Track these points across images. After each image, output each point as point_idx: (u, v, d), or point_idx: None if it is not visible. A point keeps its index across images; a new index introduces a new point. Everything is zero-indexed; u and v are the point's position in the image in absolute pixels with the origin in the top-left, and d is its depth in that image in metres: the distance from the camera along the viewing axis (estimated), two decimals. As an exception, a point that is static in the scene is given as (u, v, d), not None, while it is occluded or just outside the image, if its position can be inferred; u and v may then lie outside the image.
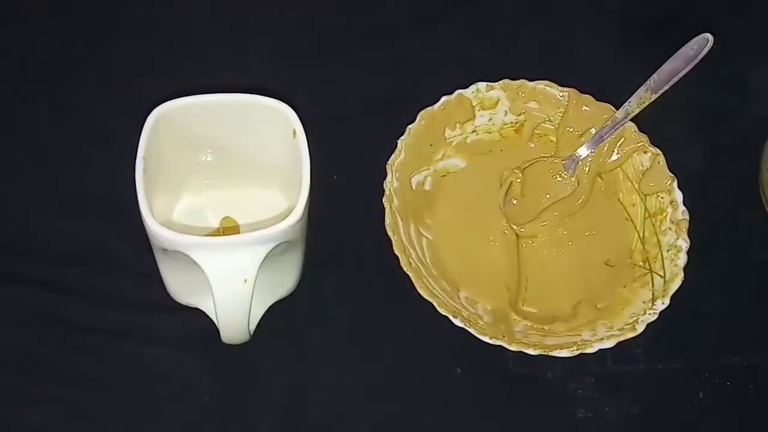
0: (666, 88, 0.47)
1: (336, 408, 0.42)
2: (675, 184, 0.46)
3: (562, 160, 0.49)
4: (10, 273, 0.44)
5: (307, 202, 0.37)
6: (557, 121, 0.49)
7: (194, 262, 0.36)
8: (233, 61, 0.51)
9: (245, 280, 0.36)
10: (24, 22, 0.54)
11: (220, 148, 0.43)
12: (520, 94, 0.49)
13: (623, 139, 0.48)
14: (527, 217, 0.48)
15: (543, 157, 0.49)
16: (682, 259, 0.44)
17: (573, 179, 0.49)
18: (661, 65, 0.47)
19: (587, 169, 0.49)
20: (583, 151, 0.48)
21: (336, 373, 0.43)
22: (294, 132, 0.39)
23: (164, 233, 0.35)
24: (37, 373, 0.42)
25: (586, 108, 0.49)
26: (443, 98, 0.48)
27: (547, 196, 0.49)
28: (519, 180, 0.48)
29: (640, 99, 0.47)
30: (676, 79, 0.46)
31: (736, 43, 0.54)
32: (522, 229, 0.47)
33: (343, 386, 0.43)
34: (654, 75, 0.47)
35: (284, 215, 0.37)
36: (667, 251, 0.45)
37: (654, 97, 0.47)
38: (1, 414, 0.41)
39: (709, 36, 0.46)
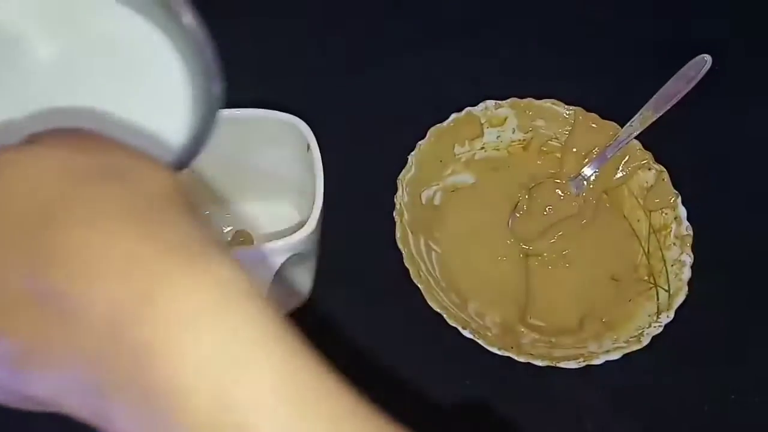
0: (668, 107, 0.48)
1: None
2: (679, 200, 0.47)
3: (568, 180, 0.50)
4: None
5: (320, 215, 0.38)
6: (563, 139, 0.50)
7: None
8: (249, 78, 0.52)
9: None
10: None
11: (234, 162, 0.44)
12: (527, 112, 0.50)
13: (628, 156, 0.49)
14: (534, 235, 0.48)
15: (549, 177, 0.50)
16: (686, 273, 0.44)
17: (579, 198, 0.50)
18: (664, 85, 0.48)
19: (592, 187, 0.50)
20: (588, 171, 0.50)
21: (344, 383, 0.44)
22: (308, 146, 0.40)
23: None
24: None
25: (593, 125, 0.50)
26: (453, 116, 0.49)
27: (554, 214, 0.49)
28: (525, 197, 0.49)
29: (643, 118, 0.48)
30: (677, 98, 0.48)
31: (738, 63, 0.55)
32: (529, 247, 0.48)
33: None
34: (656, 95, 0.48)
35: (296, 228, 0.38)
36: (672, 266, 0.45)
37: (656, 116, 0.48)
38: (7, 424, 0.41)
39: (707, 57, 0.47)
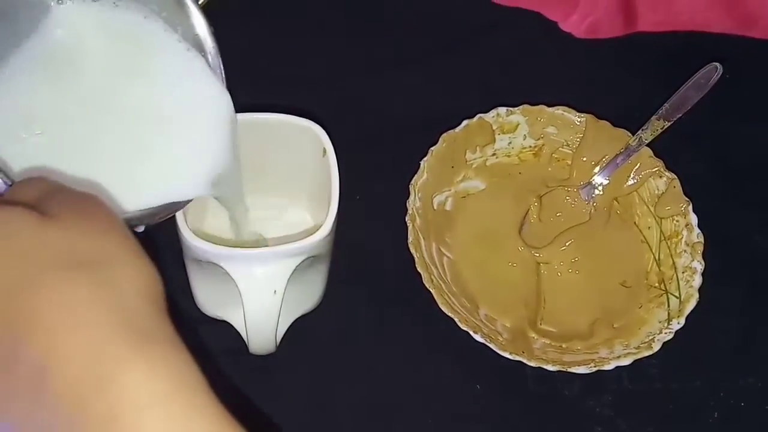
0: (678, 115, 0.48)
1: (356, 422, 0.43)
2: (690, 207, 0.47)
3: (579, 187, 0.50)
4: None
5: (335, 218, 0.38)
6: (575, 146, 0.51)
7: (225, 274, 0.38)
8: (264, 83, 0.53)
9: (275, 292, 0.38)
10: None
11: (250, 166, 0.44)
12: (539, 118, 0.51)
13: (639, 164, 0.49)
14: (545, 242, 0.48)
15: (560, 184, 0.50)
16: (697, 280, 0.45)
17: (590, 205, 0.50)
18: (675, 93, 0.48)
19: (603, 194, 0.50)
20: (598, 178, 0.50)
21: (357, 387, 0.44)
22: (324, 150, 0.40)
23: (200, 245, 0.37)
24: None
25: (604, 133, 0.50)
26: (465, 122, 0.49)
27: (564, 221, 0.50)
28: (536, 204, 0.49)
29: (654, 126, 0.48)
30: (687, 106, 0.48)
31: (749, 70, 0.55)
32: (540, 254, 0.48)
33: (364, 400, 0.44)
34: (666, 103, 0.48)
35: (310, 232, 0.38)
36: (683, 273, 0.46)
37: (667, 124, 0.48)
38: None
39: (718, 65, 0.47)
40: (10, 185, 0.28)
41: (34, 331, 0.23)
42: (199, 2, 0.34)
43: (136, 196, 0.32)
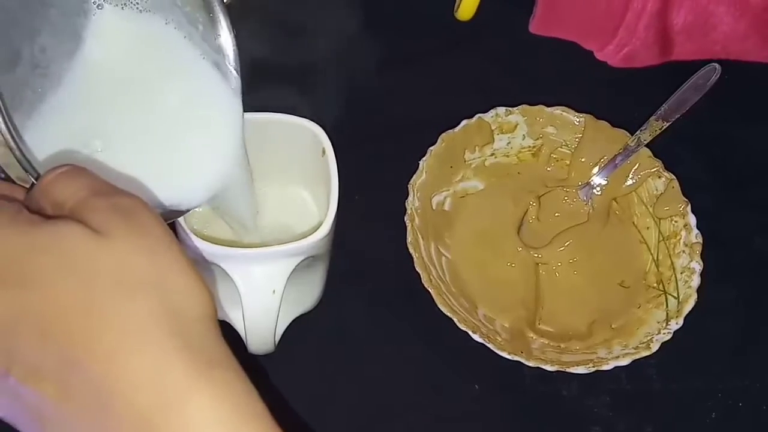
0: (677, 116, 0.48)
1: (355, 421, 0.43)
2: (689, 208, 0.47)
3: (578, 187, 0.50)
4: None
5: (334, 218, 0.38)
6: (573, 146, 0.51)
7: (224, 273, 0.38)
8: (262, 82, 0.53)
9: (273, 291, 0.38)
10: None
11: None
12: (538, 119, 0.51)
13: (638, 164, 0.49)
14: (543, 243, 0.49)
15: (559, 184, 0.51)
16: (696, 280, 0.45)
17: (588, 206, 0.50)
18: (674, 93, 0.49)
19: (602, 195, 0.50)
20: (597, 178, 0.50)
21: (356, 386, 0.44)
22: (323, 150, 0.40)
23: (199, 244, 0.37)
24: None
25: (603, 133, 0.50)
26: (464, 122, 0.49)
27: (563, 222, 0.49)
28: (534, 204, 0.49)
29: (653, 126, 0.48)
30: (686, 107, 0.48)
31: (747, 71, 0.55)
32: (538, 255, 0.48)
33: (363, 400, 0.44)
34: (665, 104, 0.49)
35: (309, 232, 0.38)
36: (681, 273, 0.46)
37: (665, 125, 0.48)
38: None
39: (717, 66, 0.47)
40: (36, 177, 0.27)
41: (93, 353, 0.23)
42: (225, 1, 0.35)
43: (150, 200, 0.32)
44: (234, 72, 0.35)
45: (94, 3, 0.31)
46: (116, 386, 0.23)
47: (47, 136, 0.29)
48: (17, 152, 0.26)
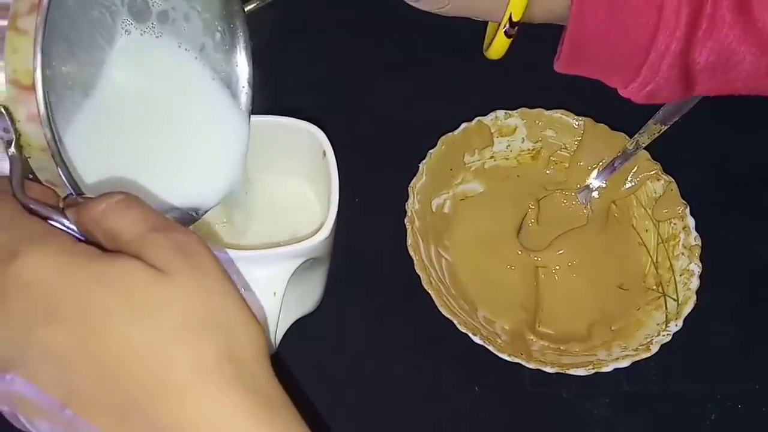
0: (675, 119, 0.48)
1: (355, 424, 0.43)
2: (687, 210, 0.47)
3: (577, 190, 0.50)
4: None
5: (335, 220, 0.39)
6: (573, 149, 0.51)
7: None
8: (262, 84, 0.53)
9: (274, 293, 0.38)
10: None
11: (249, 167, 0.44)
12: (537, 122, 0.51)
13: (636, 167, 0.49)
14: (542, 246, 0.49)
15: (558, 187, 0.51)
16: (695, 282, 0.45)
17: (587, 208, 0.50)
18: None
19: (601, 197, 0.50)
20: (596, 181, 0.50)
21: (356, 388, 0.44)
22: (324, 153, 0.40)
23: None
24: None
25: (602, 136, 0.50)
26: (463, 125, 0.50)
27: (562, 225, 0.50)
28: (534, 208, 0.49)
29: (651, 130, 0.48)
30: (684, 110, 0.48)
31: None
32: (538, 258, 0.48)
33: (363, 402, 0.44)
34: (664, 107, 0.49)
35: (310, 234, 0.38)
36: (680, 275, 0.46)
37: (664, 128, 0.48)
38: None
39: None
40: (80, 194, 0.27)
41: (156, 395, 0.23)
42: (246, 10, 0.36)
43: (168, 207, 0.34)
44: (245, 91, 0.37)
45: (123, 28, 0.32)
46: (179, 429, 0.23)
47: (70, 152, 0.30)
48: (58, 158, 0.26)
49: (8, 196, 0.26)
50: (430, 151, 0.48)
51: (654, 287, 0.47)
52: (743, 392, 0.45)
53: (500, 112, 0.50)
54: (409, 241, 0.45)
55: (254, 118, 0.40)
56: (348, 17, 0.58)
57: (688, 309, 0.44)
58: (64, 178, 0.27)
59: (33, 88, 0.25)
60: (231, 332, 0.24)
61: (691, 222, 0.47)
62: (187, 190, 0.34)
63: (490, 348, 0.42)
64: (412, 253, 0.44)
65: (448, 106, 0.52)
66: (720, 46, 0.34)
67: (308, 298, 0.44)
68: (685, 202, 0.48)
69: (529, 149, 0.52)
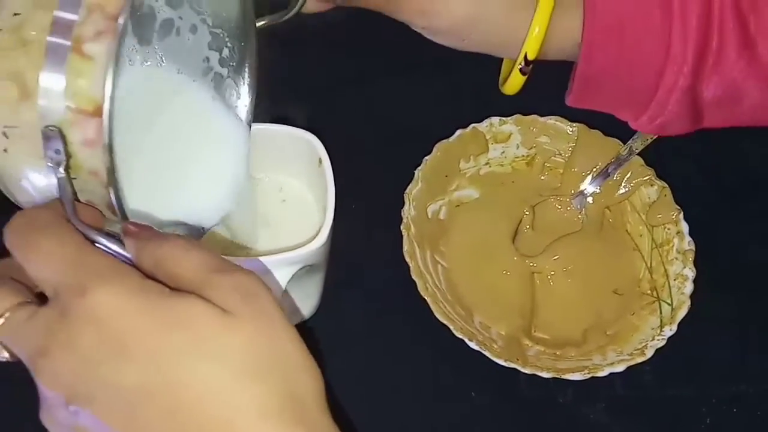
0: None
1: (352, 428, 0.43)
2: (681, 215, 0.48)
3: (571, 196, 0.51)
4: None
5: (331, 227, 0.39)
6: (567, 155, 0.51)
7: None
8: (261, 94, 0.53)
9: (271, 300, 0.38)
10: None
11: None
12: (531, 128, 0.51)
13: (630, 172, 0.50)
14: (537, 251, 0.49)
15: (553, 193, 0.51)
16: (689, 287, 0.45)
17: (582, 214, 0.50)
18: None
19: (595, 203, 0.50)
20: (590, 187, 0.50)
21: (352, 395, 0.44)
22: (320, 160, 0.40)
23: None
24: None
25: (596, 142, 0.50)
26: (458, 131, 0.50)
27: (557, 230, 0.50)
28: (528, 213, 0.50)
29: (644, 136, 0.49)
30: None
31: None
32: (533, 263, 0.49)
33: (360, 408, 0.44)
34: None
35: (307, 241, 0.38)
36: (674, 280, 0.46)
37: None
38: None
39: None
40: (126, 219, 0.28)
41: None
42: (258, 26, 0.37)
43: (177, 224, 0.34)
44: (248, 109, 0.38)
45: (128, 58, 0.33)
46: None
47: None
48: (115, 185, 0.26)
49: (66, 224, 0.26)
50: (426, 157, 0.49)
51: (648, 292, 0.47)
52: (738, 396, 0.45)
53: (495, 119, 0.51)
54: (405, 247, 0.45)
55: (252, 126, 0.41)
56: (344, 26, 0.58)
57: (682, 313, 0.44)
58: (116, 204, 0.27)
59: (95, 114, 0.25)
60: (294, 376, 0.24)
61: (684, 227, 0.47)
62: (191, 208, 0.35)
63: (486, 353, 0.42)
64: (408, 259, 0.44)
65: (443, 113, 0.52)
66: (726, 81, 0.35)
67: (305, 304, 0.44)
68: (678, 207, 0.48)
69: (523, 155, 0.52)
